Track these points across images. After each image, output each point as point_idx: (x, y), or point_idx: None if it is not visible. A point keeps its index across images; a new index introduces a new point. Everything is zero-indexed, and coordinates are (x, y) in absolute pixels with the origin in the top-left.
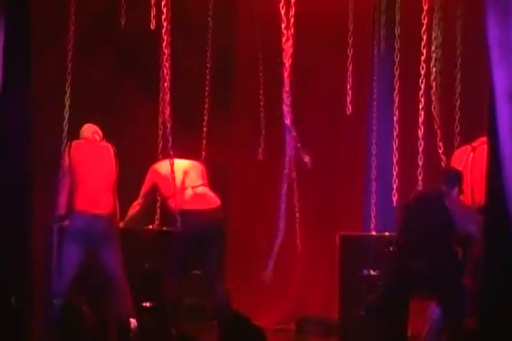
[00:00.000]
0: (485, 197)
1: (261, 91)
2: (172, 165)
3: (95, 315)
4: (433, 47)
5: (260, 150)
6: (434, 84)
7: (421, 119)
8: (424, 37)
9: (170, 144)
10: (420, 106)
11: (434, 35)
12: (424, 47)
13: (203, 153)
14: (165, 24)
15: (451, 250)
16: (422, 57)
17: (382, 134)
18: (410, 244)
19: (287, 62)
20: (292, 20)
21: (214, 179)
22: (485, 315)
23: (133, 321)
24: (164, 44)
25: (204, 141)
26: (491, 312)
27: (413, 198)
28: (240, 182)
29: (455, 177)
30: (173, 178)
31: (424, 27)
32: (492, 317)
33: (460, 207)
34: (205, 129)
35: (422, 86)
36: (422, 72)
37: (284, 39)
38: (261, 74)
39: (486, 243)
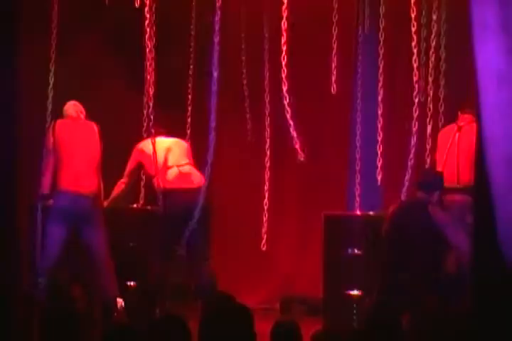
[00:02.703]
0: (474, 177)
1: (244, 70)
2: (154, 143)
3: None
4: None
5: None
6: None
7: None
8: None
9: (151, 123)
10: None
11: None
12: (415, 20)
13: (188, 131)
14: (148, 2)
15: (438, 264)
16: (413, 28)
17: (367, 113)
18: (396, 258)
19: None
20: None
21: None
22: (478, 292)
23: (119, 300)
24: (147, 23)
25: (189, 120)
26: (483, 290)
27: (394, 210)
28: (224, 161)
29: (436, 182)
30: (156, 157)
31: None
32: (484, 293)
33: (445, 216)
34: (189, 108)
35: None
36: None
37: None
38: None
39: (475, 225)
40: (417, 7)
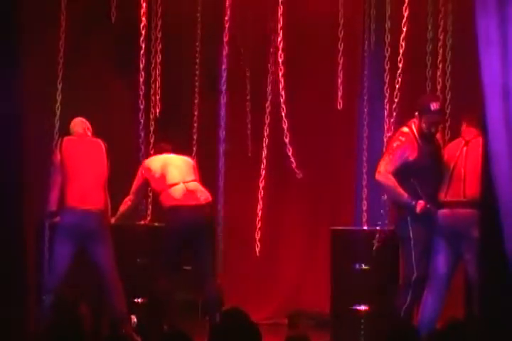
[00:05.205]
0: (481, 191)
1: (248, 86)
2: (143, 162)
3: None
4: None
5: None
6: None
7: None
8: (404, 29)
9: (152, 139)
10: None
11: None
12: (403, 40)
13: (194, 148)
14: (143, 19)
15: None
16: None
17: (373, 128)
18: None
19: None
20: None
21: (204, 173)
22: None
23: (132, 317)
24: (141, 39)
25: (195, 137)
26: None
27: None
28: (231, 176)
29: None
30: (163, 173)
31: (405, 20)
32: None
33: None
34: (195, 125)
35: (399, 79)
36: (400, 65)
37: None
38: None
39: (482, 237)
40: (423, 22)
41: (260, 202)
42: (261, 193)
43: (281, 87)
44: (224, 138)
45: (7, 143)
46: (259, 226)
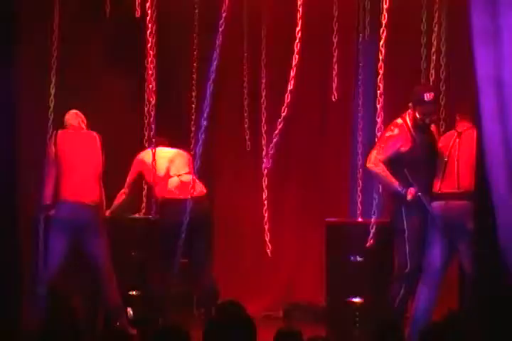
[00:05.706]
0: (475, 183)
1: (245, 79)
2: (154, 154)
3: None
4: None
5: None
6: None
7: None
8: (384, 22)
9: (152, 132)
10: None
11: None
12: (383, 33)
13: (192, 141)
14: (149, 12)
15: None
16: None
17: (368, 120)
18: None
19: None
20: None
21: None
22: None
23: (128, 309)
24: (149, 32)
25: (193, 129)
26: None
27: None
28: (226, 169)
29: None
30: (156, 166)
31: (384, 12)
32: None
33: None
34: (193, 117)
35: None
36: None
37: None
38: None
39: (476, 230)
40: (417, 15)
41: (265, 202)
42: (265, 193)
43: (291, 77)
44: (205, 128)
45: (1, 135)
46: (267, 227)
